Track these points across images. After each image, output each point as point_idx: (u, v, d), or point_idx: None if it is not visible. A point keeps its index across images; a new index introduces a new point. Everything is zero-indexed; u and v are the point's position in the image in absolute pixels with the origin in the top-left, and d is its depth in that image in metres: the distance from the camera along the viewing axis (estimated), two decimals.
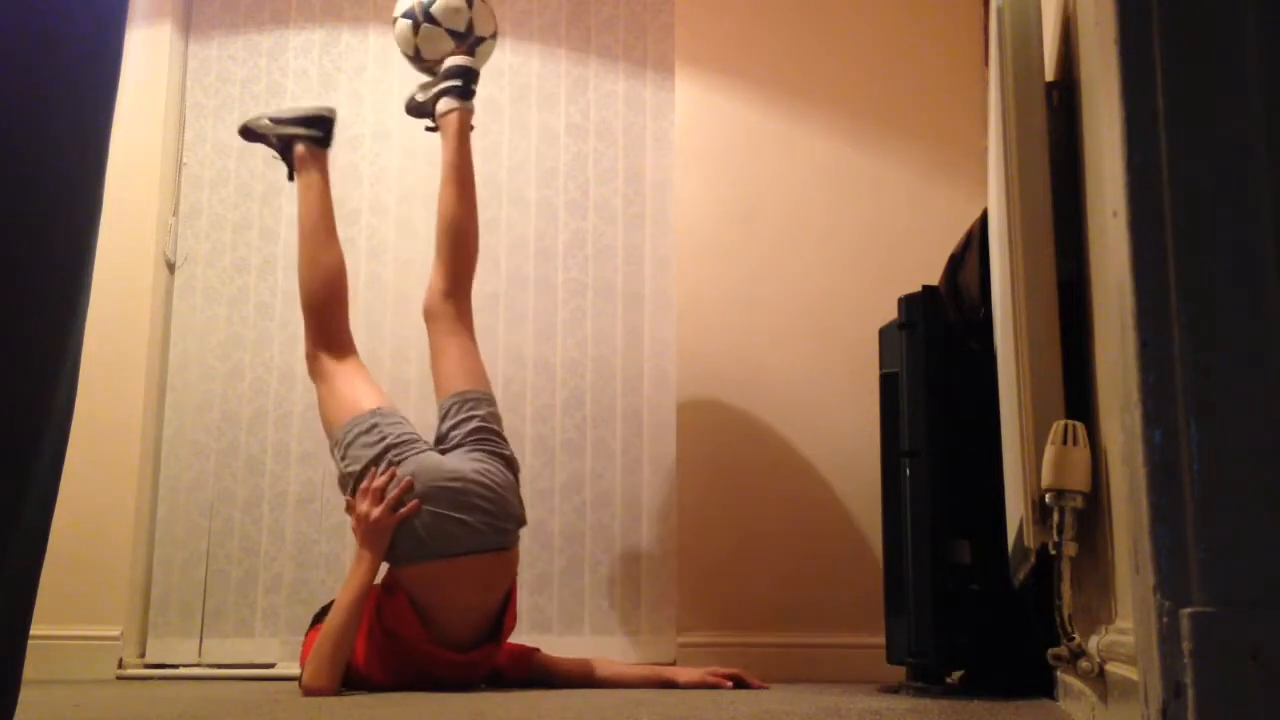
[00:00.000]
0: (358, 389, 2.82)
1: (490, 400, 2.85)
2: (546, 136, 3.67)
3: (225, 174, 3.71)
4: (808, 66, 3.62)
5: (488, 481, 2.66)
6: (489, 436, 2.77)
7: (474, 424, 2.76)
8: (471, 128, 3.04)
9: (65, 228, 1.09)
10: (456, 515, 2.60)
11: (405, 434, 2.73)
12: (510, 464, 2.76)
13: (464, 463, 2.69)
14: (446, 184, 2.99)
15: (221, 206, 3.70)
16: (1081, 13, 1.75)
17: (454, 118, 2.99)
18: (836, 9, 3.63)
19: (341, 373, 2.85)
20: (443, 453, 2.74)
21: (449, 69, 2.98)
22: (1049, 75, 1.98)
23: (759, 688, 2.67)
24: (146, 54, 3.67)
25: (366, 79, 3.74)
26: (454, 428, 2.77)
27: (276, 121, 3.02)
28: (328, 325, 2.90)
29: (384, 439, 2.68)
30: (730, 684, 2.67)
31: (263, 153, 3.70)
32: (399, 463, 2.64)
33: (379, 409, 2.76)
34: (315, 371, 2.88)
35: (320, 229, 2.95)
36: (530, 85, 3.70)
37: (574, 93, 3.69)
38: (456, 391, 2.82)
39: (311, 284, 2.93)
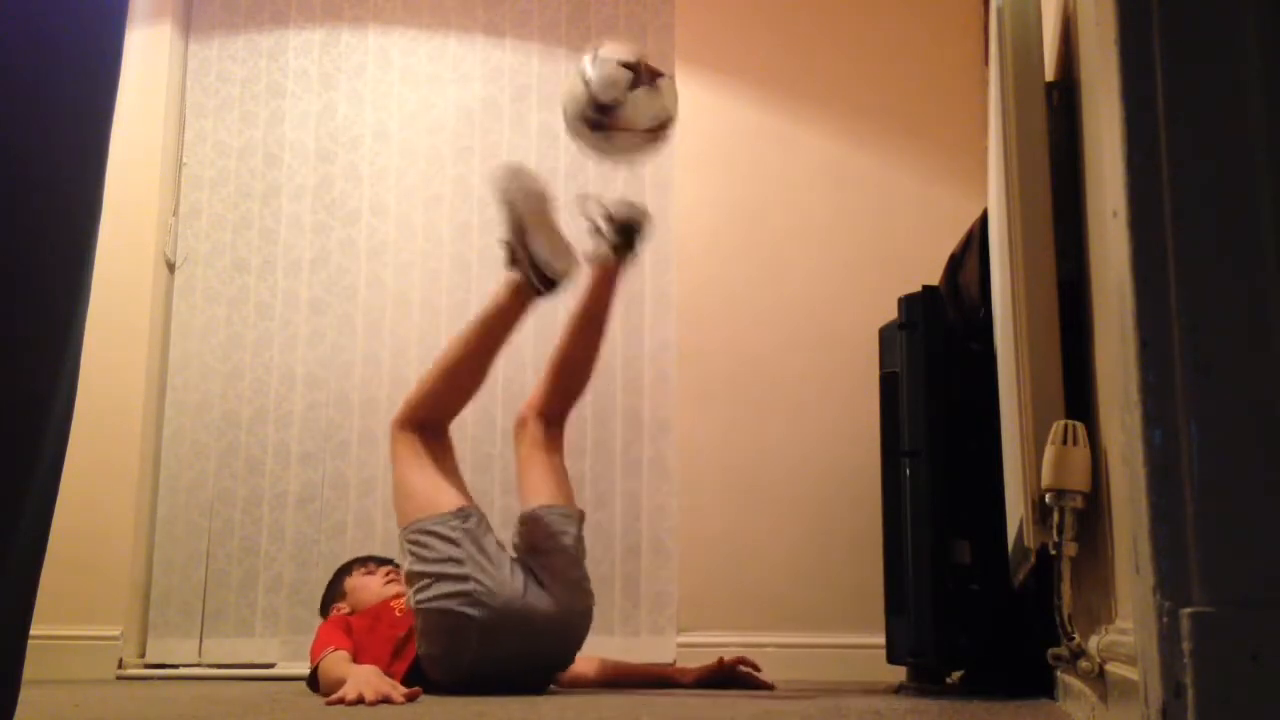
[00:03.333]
0: (447, 478, 2.63)
1: (580, 520, 2.66)
2: (546, 136, 3.67)
3: (225, 174, 3.72)
4: (808, 66, 3.62)
5: (557, 629, 2.52)
6: (576, 566, 2.59)
7: (564, 551, 2.58)
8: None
9: (65, 228, 1.09)
10: (507, 659, 2.45)
11: (480, 552, 2.51)
12: (588, 596, 2.59)
13: (540, 600, 2.50)
14: (579, 327, 2.78)
15: (221, 206, 3.70)
16: (1081, 13, 1.75)
17: (609, 265, 2.77)
18: (836, 9, 3.63)
19: (434, 451, 2.65)
20: (524, 571, 2.55)
21: (621, 221, 2.76)
22: (1049, 75, 1.98)
23: (764, 685, 2.65)
24: (146, 54, 3.67)
25: (366, 79, 3.74)
26: (543, 540, 2.58)
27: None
28: (441, 419, 2.71)
29: (459, 556, 2.48)
30: (723, 661, 2.66)
31: (263, 152, 3.71)
32: (466, 591, 2.44)
33: (464, 509, 2.56)
34: (402, 441, 2.66)
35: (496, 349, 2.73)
36: (530, 85, 3.70)
37: None
38: (547, 504, 2.63)
39: (451, 402, 2.73)
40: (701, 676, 2.66)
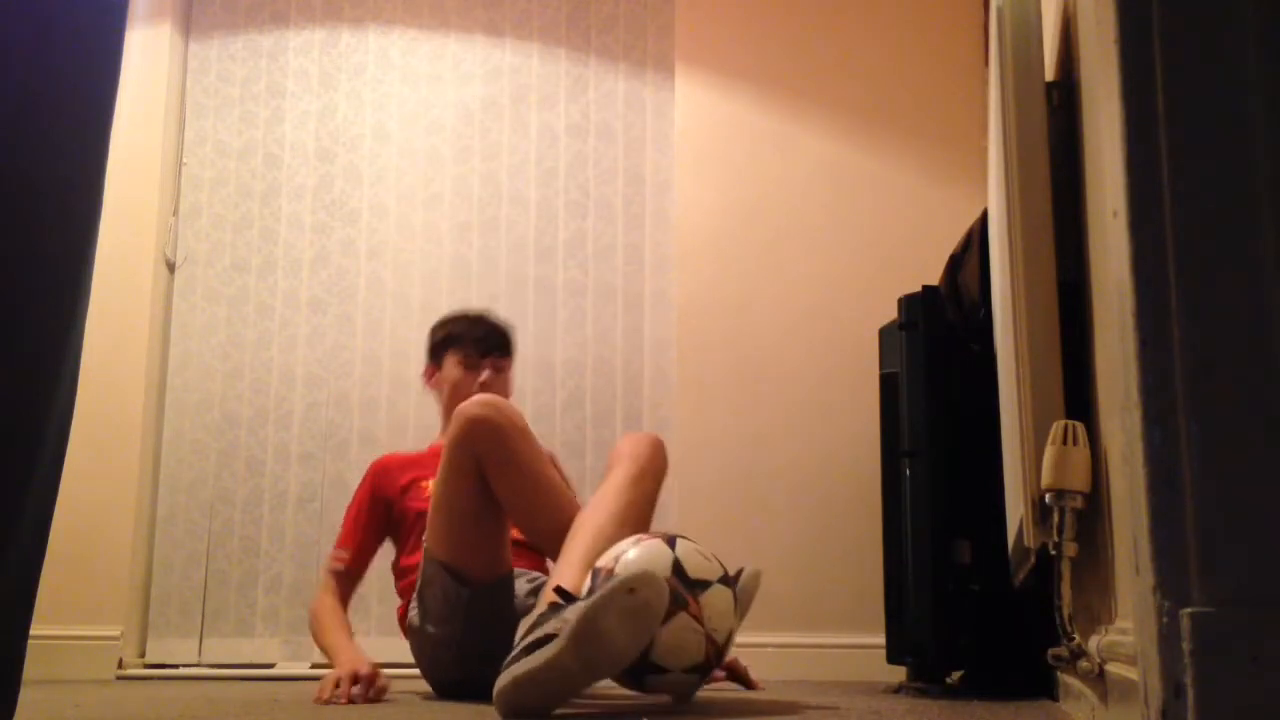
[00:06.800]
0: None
1: None
2: (546, 136, 3.67)
3: (225, 174, 3.72)
4: (808, 66, 3.62)
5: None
6: None
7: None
8: None
9: (65, 228, 1.09)
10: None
11: None
12: None
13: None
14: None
15: (221, 206, 3.70)
16: (1081, 13, 1.75)
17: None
18: (836, 9, 3.63)
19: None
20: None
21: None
22: (1049, 75, 1.98)
23: (754, 686, 2.65)
24: (146, 54, 3.67)
25: (366, 79, 3.74)
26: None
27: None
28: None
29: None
30: (723, 675, 2.64)
31: (262, 152, 3.71)
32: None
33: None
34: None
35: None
36: (530, 85, 3.70)
37: (574, 93, 3.69)
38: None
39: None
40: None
